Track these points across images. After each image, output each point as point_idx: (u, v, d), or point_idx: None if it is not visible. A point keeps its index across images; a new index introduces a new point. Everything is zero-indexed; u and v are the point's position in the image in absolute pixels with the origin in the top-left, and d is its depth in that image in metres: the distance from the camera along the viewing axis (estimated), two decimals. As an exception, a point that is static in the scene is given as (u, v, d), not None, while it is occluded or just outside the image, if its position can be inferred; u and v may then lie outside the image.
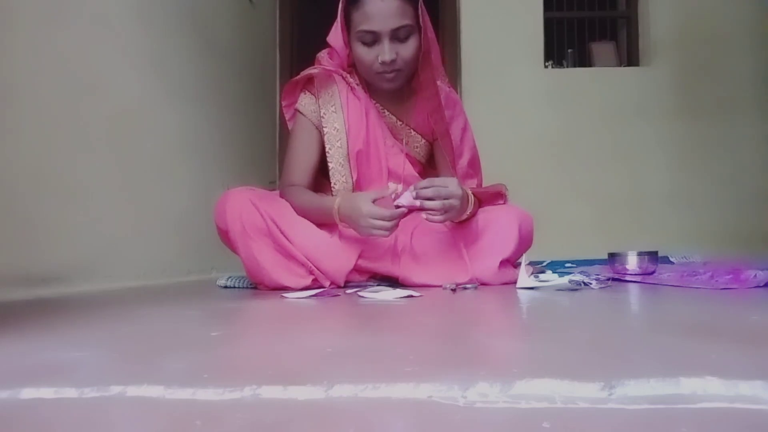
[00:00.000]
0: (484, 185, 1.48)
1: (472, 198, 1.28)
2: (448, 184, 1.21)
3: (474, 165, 1.44)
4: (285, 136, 1.52)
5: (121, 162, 1.58)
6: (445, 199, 1.19)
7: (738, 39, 3.01)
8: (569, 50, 3.16)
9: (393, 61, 1.30)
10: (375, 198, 1.22)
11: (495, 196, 1.44)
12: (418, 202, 1.21)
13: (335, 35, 1.38)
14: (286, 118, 1.49)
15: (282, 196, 1.38)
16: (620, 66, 3.13)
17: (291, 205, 1.34)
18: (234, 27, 2.53)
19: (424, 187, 1.20)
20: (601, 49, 3.17)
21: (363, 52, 1.33)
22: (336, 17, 1.38)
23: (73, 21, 1.40)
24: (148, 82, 1.74)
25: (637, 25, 3.13)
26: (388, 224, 1.20)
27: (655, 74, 3.02)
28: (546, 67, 3.08)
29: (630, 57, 3.15)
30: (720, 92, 3.00)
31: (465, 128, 1.43)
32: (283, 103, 1.47)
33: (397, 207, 1.21)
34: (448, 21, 3.20)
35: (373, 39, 1.30)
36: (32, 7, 1.27)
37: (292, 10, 3.27)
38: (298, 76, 1.43)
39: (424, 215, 1.22)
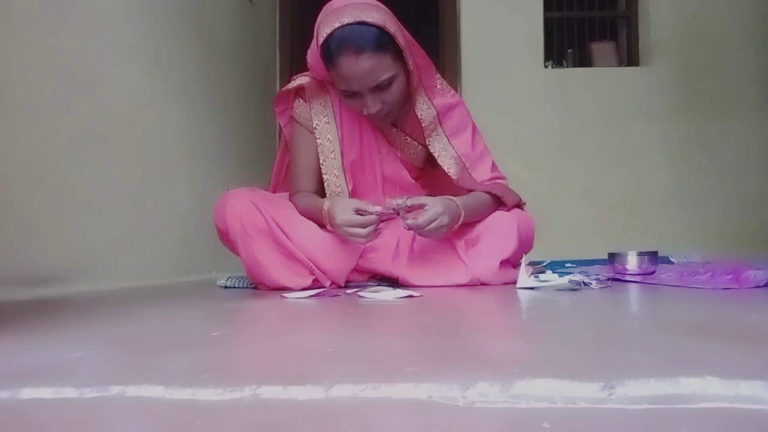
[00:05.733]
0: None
1: (462, 205, 1.28)
2: (428, 206, 1.21)
3: (495, 167, 1.45)
4: (285, 136, 1.52)
5: (121, 162, 1.58)
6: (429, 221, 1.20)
7: (738, 39, 3.00)
8: (569, 50, 3.16)
9: (378, 110, 1.29)
10: (358, 207, 1.22)
11: (510, 193, 1.42)
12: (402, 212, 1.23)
13: (318, 64, 1.30)
14: (282, 124, 1.48)
15: (290, 201, 1.40)
16: (620, 66, 3.13)
17: (296, 209, 1.36)
18: (234, 27, 2.53)
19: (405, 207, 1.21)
20: (601, 49, 3.17)
21: (348, 102, 1.32)
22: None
23: (73, 21, 1.40)
24: (148, 82, 1.74)
25: (637, 25, 3.13)
26: (362, 231, 1.21)
27: (656, 74, 3.02)
28: (546, 67, 3.08)
29: (630, 57, 3.15)
30: (720, 92, 3.00)
31: (474, 133, 1.44)
32: (276, 110, 1.46)
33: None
34: (448, 21, 3.20)
35: (354, 93, 1.28)
36: (32, 7, 1.27)
37: (292, 10, 3.27)
38: (289, 86, 1.42)
39: (406, 222, 1.22)
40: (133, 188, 1.63)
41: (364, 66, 1.21)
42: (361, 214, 1.22)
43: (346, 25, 1.20)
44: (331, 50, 1.22)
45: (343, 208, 1.23)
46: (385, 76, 1.24)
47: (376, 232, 1.24)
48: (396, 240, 1.35)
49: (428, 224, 1.20)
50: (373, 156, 1.42)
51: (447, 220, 1.22)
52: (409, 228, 1.22)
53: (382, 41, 1.22)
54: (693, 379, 0.37)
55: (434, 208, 1.21)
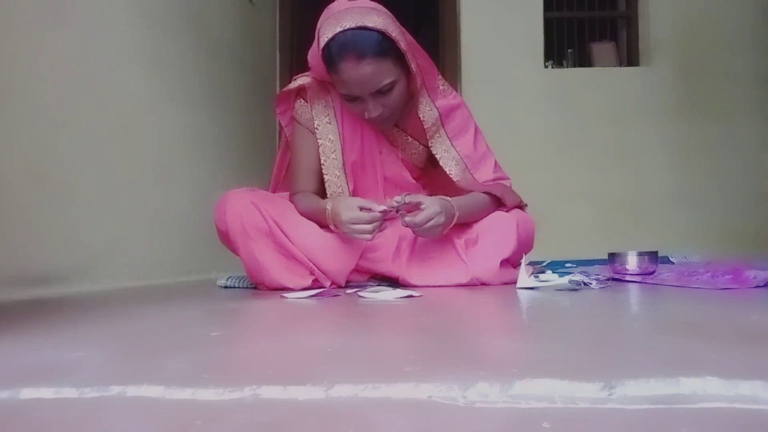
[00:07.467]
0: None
1: (457, 206, 1.28)
2: (425, 205, 1.21)
3: (498, 167, 1.45)
4: (285, 136, 1.52)
5: (121, 162, 1.58)
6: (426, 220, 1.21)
7: (738, 39, 3.01)
8: (569, 50, 3.16)
9: (379, 114, 1.29)
10: (361, 205, 1.22)
11: (510, 194, 1.42)
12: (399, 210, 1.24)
13: (318, 66, 1.29)
14: (283, 125, 1.48)
15: (291, 201, 1.40)
16: (620, 66, 3.13)
17: (297, 209, 1.36)
18: (234, 27, 2.53)
19: (403, 206, 1.22)
20: (601, 49, 3.17)
21: (349, 105, 1.33)
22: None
23: (73, 21, 1.40)
24: (148, 82, 1.74)
25: (637, 25, 3.13)
26: (368, 227, 1.21)
27: (656, 74, 3.02)
28: (546, 67, 3.08)
29: (630, 57, 3.15)
30: (720, 92, 3.00)
31: (476, 134, 1.43)
32: (278, 111, 1.46)
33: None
34: (448, 21, 3.20)
35: (355, 98, 1.28)
36: (32, 7, 1.27)
37: (292, 10, 3.27)
38: (291, 86, 1.41)
39: (404, 220, 1.22)
40: (133, 188, 1.63)
41: (365, 71, 1.21)
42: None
43: (348, 29, 1.20)
44: (332, 55, 1.22)
45: (347, 206, 1.23)
46: (387, 81, 1.24)
47: (381, 229, 1.24)
48: (397, 239, 1.35)
49: (425, 223, 1.21)
50: (374, 156, 1.42)
51: (443, 220, 1.23)
52: (407, 225, 1.22)
53: (384, 46, 1.22)
54: (693, 379, 0.37)
55: (432, 207, 1.21)
